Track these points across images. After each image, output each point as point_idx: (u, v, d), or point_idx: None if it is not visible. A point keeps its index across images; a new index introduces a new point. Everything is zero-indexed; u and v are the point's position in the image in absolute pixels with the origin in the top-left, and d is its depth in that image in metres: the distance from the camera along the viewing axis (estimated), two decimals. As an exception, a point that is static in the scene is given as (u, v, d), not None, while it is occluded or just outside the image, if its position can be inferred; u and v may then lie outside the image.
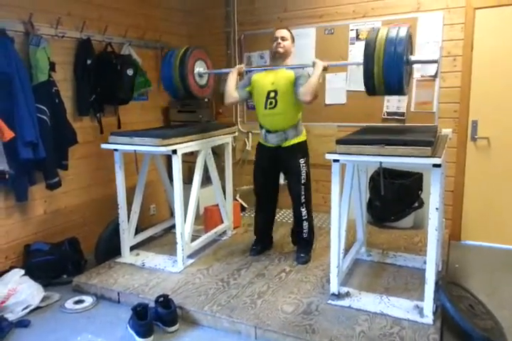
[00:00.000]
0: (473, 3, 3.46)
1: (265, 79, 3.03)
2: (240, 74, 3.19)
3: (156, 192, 4.22)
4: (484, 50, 3.50)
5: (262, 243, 3.38)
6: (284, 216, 4.30)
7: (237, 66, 3.21)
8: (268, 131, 3.09)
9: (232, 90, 3.06)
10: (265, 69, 3.12)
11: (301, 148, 3.11)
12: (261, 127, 3.16)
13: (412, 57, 2.52)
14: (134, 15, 3.93)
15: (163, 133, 2.96)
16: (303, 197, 3.10)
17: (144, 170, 3.41)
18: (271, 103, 2.99)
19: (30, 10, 2.98)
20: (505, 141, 3.55)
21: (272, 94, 2.99)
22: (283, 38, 3.02)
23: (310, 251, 3.25)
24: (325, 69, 2.89)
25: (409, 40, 2.49)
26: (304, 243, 3.22)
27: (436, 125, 3.55)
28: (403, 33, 2.37)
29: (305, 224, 3.15)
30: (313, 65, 2.89)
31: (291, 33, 3.09)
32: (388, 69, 2.36)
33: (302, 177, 3.07)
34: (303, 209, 3.13)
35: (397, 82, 2.39)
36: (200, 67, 3.31)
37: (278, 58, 3.06)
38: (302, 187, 3.09)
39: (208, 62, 3.44)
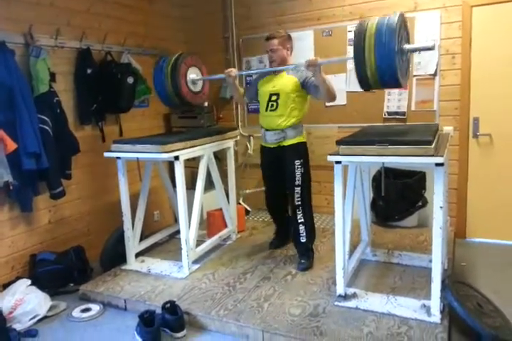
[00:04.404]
0: (469, 1, 3.47)
1: (268, 84, 3.10)
2: (234, 78, 3.15)
3: (160, 199, 4.23)
4: (483, 47, 3.50)
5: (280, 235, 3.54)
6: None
7: (226, 71, 3.12)
8: (267, 130, 3.13)
9: (240, 98, 3.35)
10: (262, 71, 3.22)
11: (299, 150, 3.08)
12: (261, 127, 3.21)
13: (407, 46, 2.38)
14: (132, 24, 3.95)
15: (165, 140, 2.97)
16: (298, 199, 3.05)
17: (147, 177, 3.42)
18: (272, 105, 3.05)
19: (30, 22, 3.01)
20: (508, 137, 3.54)
21: (274, 97, 3.04)
22: (272, 50, 3.05)
23: (311, 256, 3.16)
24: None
25: (403, 28, 2.36)
26: (303, 248, 3.15)
27: (438, 123, 3.53)
28: (393, 21, 2.24)
29: (301, 227, 3.07)
30: (308, 66, 2.71)
31: (281, 38, 3.02)
32: (380, 59, 2.23)
33: (296, 178, 3.04)
34: (299, 212, 3.06)
35: (391, 73, 2.26)
36: (193, 74, 3.33)
37: (275, 66, 3.10)
38: (297, 188, 3.04)
39: (203, 69, 3.44)
